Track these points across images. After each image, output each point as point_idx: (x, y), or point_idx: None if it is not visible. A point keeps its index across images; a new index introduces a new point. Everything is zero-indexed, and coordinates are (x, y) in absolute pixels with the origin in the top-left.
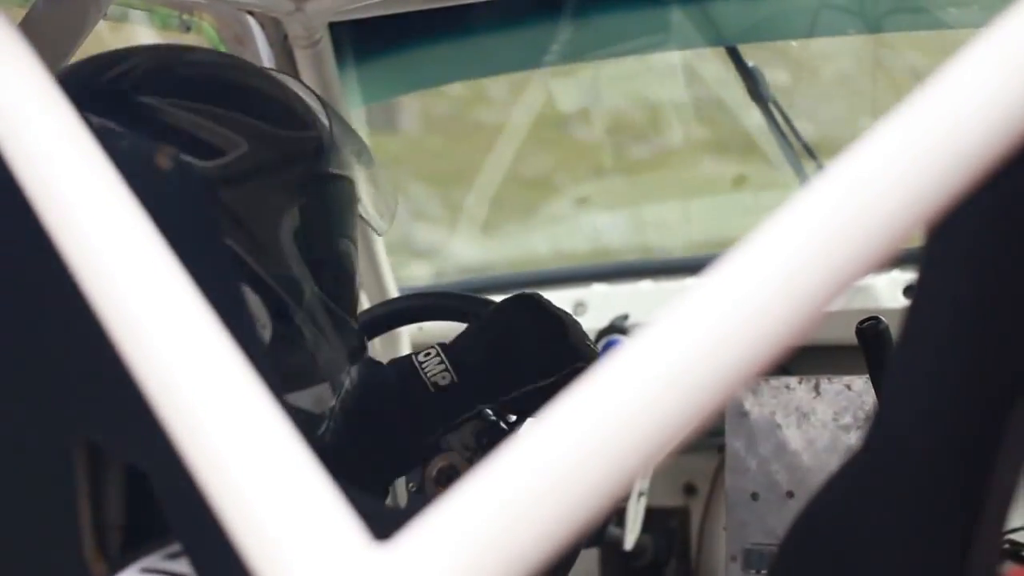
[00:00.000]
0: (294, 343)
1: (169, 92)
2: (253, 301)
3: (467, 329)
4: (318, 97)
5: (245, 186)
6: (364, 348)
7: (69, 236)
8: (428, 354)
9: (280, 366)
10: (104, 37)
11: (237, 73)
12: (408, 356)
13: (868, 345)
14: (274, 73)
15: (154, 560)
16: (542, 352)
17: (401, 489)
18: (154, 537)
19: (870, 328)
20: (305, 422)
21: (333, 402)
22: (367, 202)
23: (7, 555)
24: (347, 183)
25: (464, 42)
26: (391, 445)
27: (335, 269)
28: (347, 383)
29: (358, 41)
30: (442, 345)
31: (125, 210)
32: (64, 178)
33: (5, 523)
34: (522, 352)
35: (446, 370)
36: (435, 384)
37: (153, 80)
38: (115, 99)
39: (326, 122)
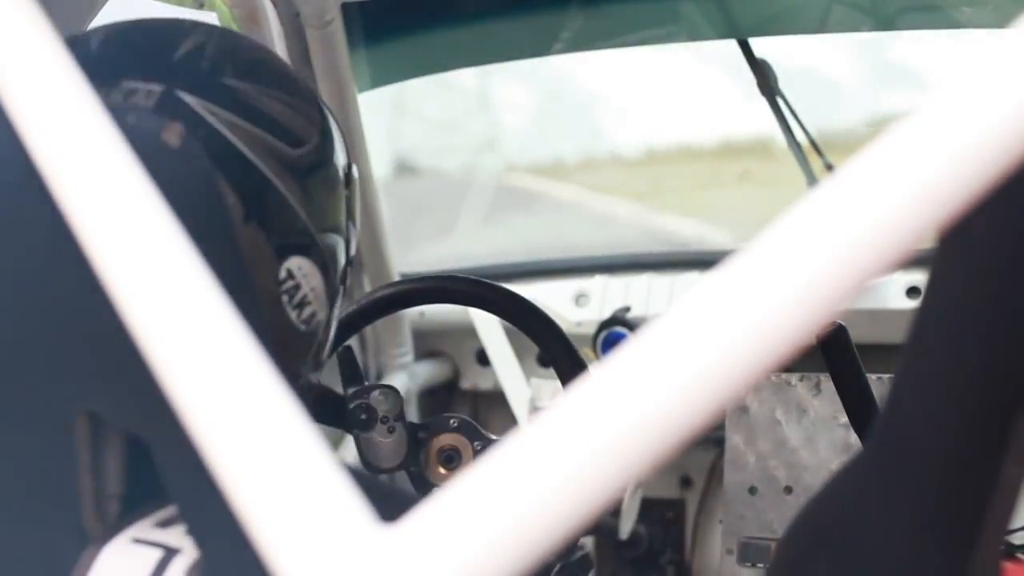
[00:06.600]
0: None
1: (247, 76)
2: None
3: None
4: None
5: (317, 177)
6: None
7: (79, 210)
8: None
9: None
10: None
11: (287, 64)
12: None
13: (829, 350)
14: None
15: (144, 528)
16: None
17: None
18: (141, 504)
19: (831, 333)
20: None
21: None
22: None
23: (7, 523)
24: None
25: (475, 27)
26: None
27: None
28: None
29: (369, 23)
30: None
31: (137, 186)
32: (73, 149)
33: (6, 492)
34: None
35: None
36: None
37: (229, 62)
38: (201, 79)
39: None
